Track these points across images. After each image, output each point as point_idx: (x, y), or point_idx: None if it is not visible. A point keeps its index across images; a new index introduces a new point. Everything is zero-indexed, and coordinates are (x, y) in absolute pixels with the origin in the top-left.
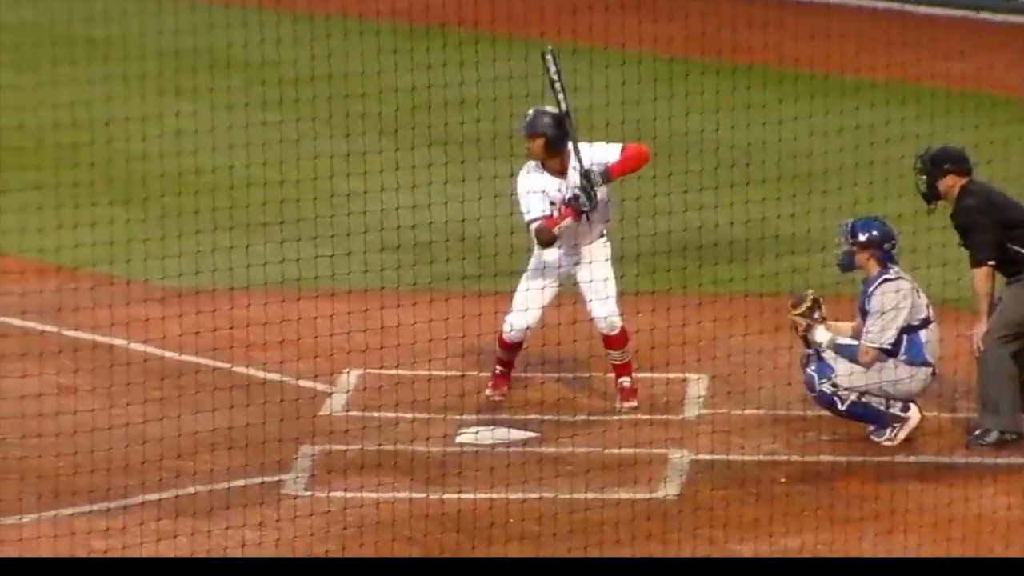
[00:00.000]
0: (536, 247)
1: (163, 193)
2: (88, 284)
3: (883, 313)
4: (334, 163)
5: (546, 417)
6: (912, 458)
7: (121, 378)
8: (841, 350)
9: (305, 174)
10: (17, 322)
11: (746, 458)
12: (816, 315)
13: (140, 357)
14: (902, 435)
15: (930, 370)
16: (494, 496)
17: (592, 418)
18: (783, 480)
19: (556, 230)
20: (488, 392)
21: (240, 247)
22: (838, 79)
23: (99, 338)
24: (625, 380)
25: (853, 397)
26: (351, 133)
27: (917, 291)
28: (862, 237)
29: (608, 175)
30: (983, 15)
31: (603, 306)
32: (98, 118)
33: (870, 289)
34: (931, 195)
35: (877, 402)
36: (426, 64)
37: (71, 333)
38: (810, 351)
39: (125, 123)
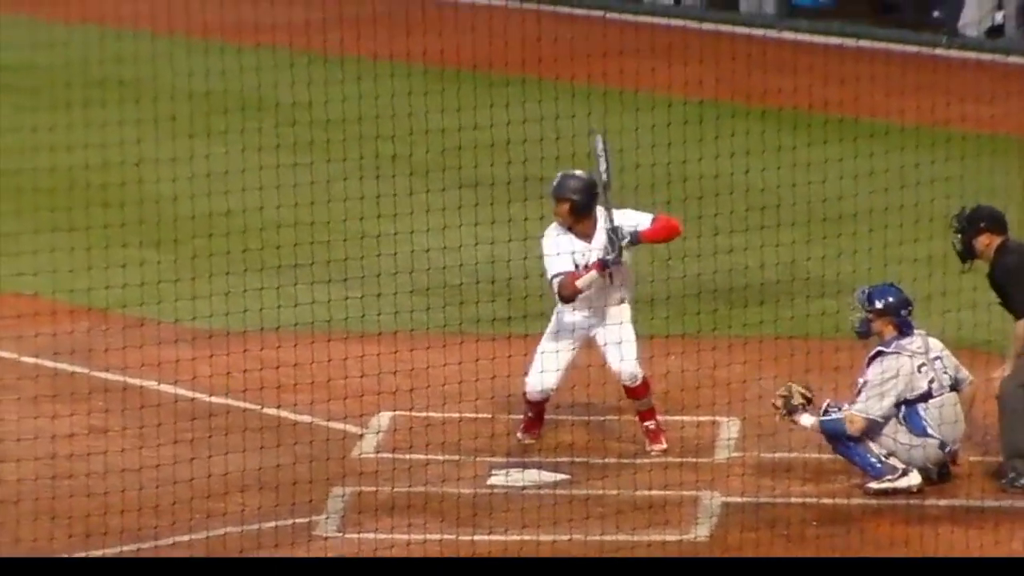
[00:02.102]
0: (557, 307)
1: (194, 235)
2: (119, 325)
3: (871, 390)
4: (365, 205)
5: (577, 459)
6: (943, 502)
7: (152, 419)
8: (828, 428)
9: (336, 216)
10: (49, 363)
11: (777, 500)
12: (797, 408)
13: (171, 398)
14: (890, 488)
15: (936, 443)
16: (525, 538)
17: (623, 461)
18: (814, 523)
19: (579, 283)
20: (519, 436)
21: (271, 289)
22: (868, 122)
23: (130, 379)
24: (650, 424)
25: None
26: (382, 175)
27: (920, 368)
28: (879, 304)
29: (637, 238)
30: (1012, 59)
31: (624, 365)
32: (129, 159)
33: (870, 358)
34: (967, 254)
35: (878, 449)
36: (457, 107)
37: (102, 374)
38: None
39: (156, 164)
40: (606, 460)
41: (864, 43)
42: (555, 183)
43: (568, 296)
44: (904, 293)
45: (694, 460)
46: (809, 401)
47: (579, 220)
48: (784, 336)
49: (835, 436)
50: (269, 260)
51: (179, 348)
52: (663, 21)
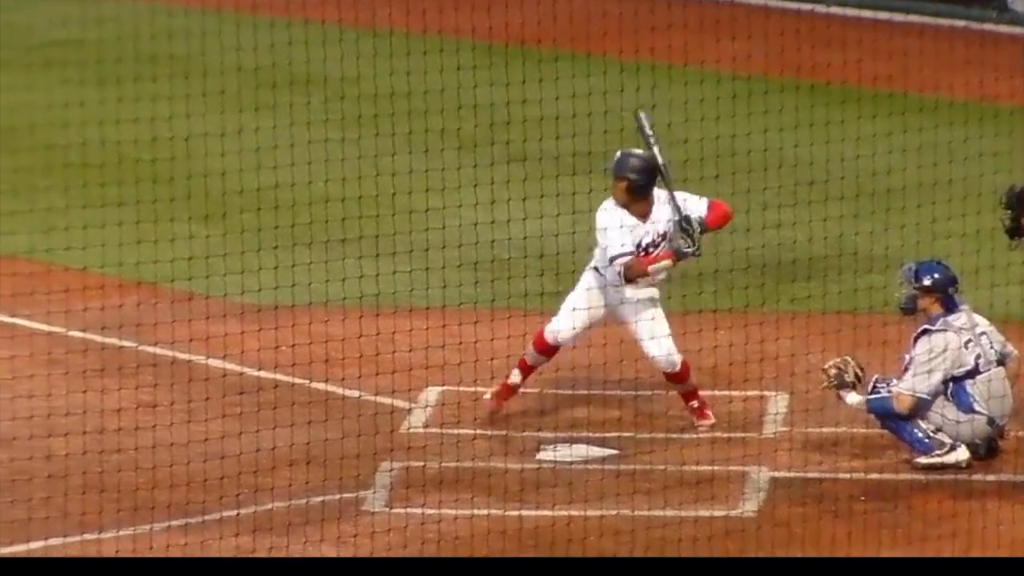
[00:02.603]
0: (589, 267)
1: (242, 209)
2: (168, 300)
3: (918, 367)
4: (413, 179)
5: (625, 434)
6: (991, 476)
7: (200, 393)
8: (875, 407)
9: (384, 190)
10: (98, 338)
11: (825, 475)
12: (847, 384)
13: (219, 373)
14: (939, 463)
15: (984, 419)
16: (573, 513)
17: (671, 436)
18: (862, 498)
19: (651, 268)
20: (486, 398)
21: (319, 263)
22: (917, 97)
23: (178, 354)
24: (694, 403)
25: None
26: (430, 149)
27: (966, 344)
28: (926, 282)
29: (705, 226)
30: None
31: (658, 345)
32: (179, 134)
33: (916, 336)
34: (1016, 232)
35: (927, 426)
36: (506, 81)
37: (151, 349)
38: (882, 381)
39: (205, 139)
40: (654, 435)
41: (913, 18)
42: (615, 160)
43: (634, 278)
44: (951, 270)
45: (742, 435)
46: (859, 380)
47: (636, 200)
48: (832, 311)
49: (883, 414)
50: (318, 235)
51: (227, 322)
52: None
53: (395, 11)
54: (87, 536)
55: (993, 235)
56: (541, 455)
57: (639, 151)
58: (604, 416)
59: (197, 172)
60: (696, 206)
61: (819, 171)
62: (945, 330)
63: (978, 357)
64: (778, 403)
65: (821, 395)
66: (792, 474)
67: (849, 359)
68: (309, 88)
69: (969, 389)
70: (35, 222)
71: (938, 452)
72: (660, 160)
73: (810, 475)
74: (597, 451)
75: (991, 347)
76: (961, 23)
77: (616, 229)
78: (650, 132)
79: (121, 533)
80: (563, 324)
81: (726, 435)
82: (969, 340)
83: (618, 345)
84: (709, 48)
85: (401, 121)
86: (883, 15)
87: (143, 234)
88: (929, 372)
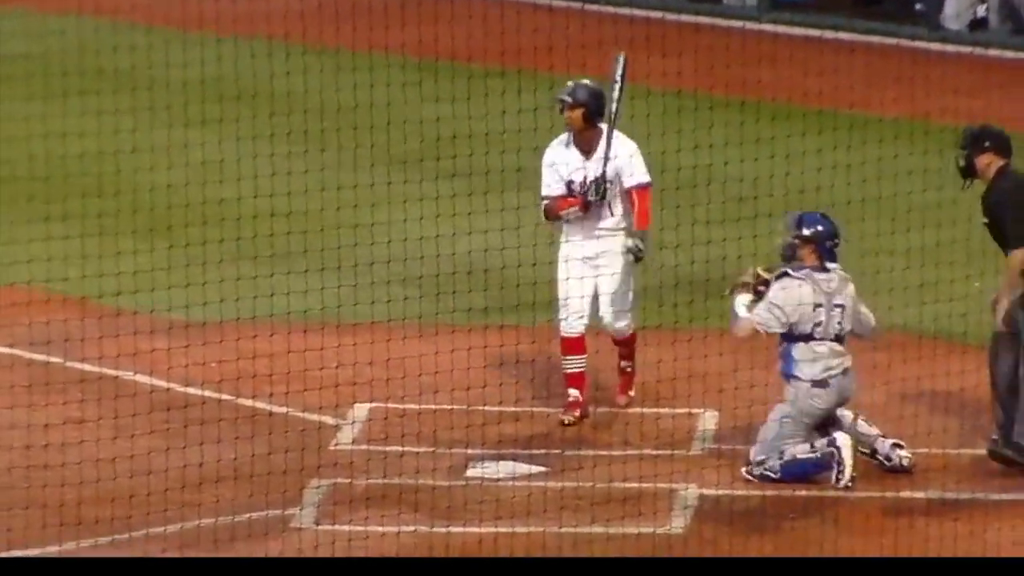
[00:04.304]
0: (561, 238)
1: (186, 224)
2: (96, 315)
3: (768, 300)
4: (355, 194)
5: (554, 451)
6: (919, 493)
7: (128, 409)
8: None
9: (326, 205)
10: (25, 353)
11: (753, 493)
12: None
13: (146, 388)
14: (848, 469)
15: (806, 385)
16: (501, 530)
17: (600, 453)
18: (791, 515)
19: (562, 213)
20: (561, 416)
21: (251, 279)
22: (847, 114)
23: (106, 370)
24: (627, 365)
25: (778, 461)
26: (371, 164)
27: (818, 307)
28: (806, 231)
29: (627, 194)
30: (994, 52)
31: (618, 318)
32: (124, 148)
33: (776, 277)
34: (968, 171)
35: (801, 451)
36: (446, 97)
37: (78, 364)
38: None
39: (151, 153)
40: (582, 452)
41: (844, 35)
42: (569, 89)
43: (550, 219)
44: (834, 225)
45: (672, 452)
46: (765, 284)
47: (587, 129)
48: None
49: (770, 481)
50: (260, 249)
51: (156, 338)
52: (642, 13)
53: (340, 28)
54: (14, 553)
55: (924, 252)
56: (470, 472)
57: (585, 80)
58: (532, 432)
59: (142, 186)
60: (634, 176)
61: (749, 188)
62: (803, 280)
63: (816, 325)
64: (707, 420)
65: (750, 412)
66: (720, 491)
67: (757, 269)
68: (255, 103)
69: (795, 354)
70: None
71: (837, 465)
72: (615, 107)
73: (738, 492)
74: (525, 468)
75: (838, 322)
76: (893, 40)
77: (549, 167)
78: (619, 77)
79: (47, 549)
80: (566, 315)
81: (655, 452)
82: (820, 305)
83: (547, 360)
84: (640, 64)
85: (343, 136)
86: (814, 32)
87: (86, 249)
88: (775, 308)
